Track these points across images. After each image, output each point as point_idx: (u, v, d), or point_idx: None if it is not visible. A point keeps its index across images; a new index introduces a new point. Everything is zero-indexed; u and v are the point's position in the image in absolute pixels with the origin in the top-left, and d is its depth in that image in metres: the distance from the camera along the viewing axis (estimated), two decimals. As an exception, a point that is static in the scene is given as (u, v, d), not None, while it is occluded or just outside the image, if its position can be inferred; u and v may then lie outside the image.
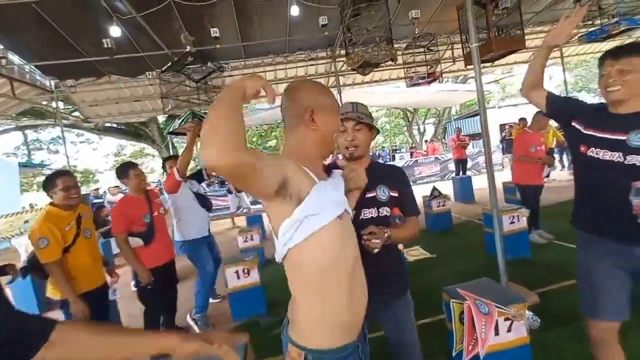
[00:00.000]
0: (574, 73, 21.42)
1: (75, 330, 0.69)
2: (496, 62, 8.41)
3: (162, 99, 7.26)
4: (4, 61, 4.96)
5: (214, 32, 4.82)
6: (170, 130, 3.64)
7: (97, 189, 13.51)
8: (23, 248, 5.92)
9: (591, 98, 20.61)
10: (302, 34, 6.18)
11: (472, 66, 2.66)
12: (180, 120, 3.24)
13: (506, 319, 1.67)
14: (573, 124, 1.47)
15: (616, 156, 1.31)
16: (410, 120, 21.50)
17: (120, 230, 2.50)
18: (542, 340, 2.10)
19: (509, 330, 1.70)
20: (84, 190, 17.04)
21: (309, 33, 6.05)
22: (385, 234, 1.22)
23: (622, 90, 1.29)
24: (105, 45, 4.66)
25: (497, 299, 1.69)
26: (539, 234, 3.93)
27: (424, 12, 5.20)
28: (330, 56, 7.15)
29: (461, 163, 9.05)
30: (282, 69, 7.63)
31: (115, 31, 4.80)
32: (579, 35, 4.65)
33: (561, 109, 1.54)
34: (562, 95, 1.83)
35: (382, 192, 1.37)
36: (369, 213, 1.36)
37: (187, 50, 5.16)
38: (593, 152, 1.38)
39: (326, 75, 8.09)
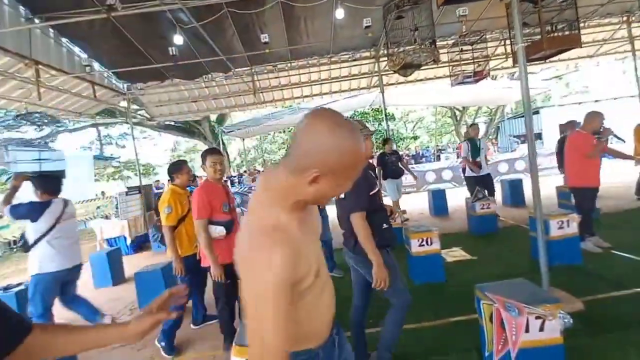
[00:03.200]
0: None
1: (48, 333, 0.73)
2: (558, 57, 7.86)
3: (214, 99, 7.88)
4: (88, 68, 5.76)
5: (264, 37, 5.15)
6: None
7: (158, 180, 14.92)
8: (99, 229, 6.83)
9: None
10: (346, 35, 6.34)
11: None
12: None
13: (537, 318, 1.70)
14: None
15: None
16: (458, 119, 20.60)
17: (204, 215, 2.37)
18: (582, 345, 2.06)
19: (541, 330, 1.72)
20: (145, 181, 18.87)
21: (353, 34, 6.18)
22: None
23: None
24: (171, 53, 5.20)
25: (528, 299, 1.72)
26: (594, 242, 3.68)
27: (473, 9, 5.07)
28: (374, 56, 7.20)
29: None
30: (327, 70, 7.84)
31: (178, 39, 5.35)
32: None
33: None
34: None
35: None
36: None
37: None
38: None
39: (369, 75, 8.15)
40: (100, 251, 5.21)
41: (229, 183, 12.16)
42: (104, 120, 16.32)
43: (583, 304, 2.50)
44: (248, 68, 7.06)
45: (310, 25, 6.10)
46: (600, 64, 12.21)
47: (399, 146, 21.21)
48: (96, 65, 6.38)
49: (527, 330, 1.71)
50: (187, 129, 17.28)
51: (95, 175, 20.79)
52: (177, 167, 2.90)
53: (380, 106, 10.14)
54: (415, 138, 25.66)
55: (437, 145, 18.79)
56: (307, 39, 6.45)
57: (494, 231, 4.81)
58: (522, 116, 17.95)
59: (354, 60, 7.49)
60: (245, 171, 17.31)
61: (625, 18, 6.75)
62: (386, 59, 5.20)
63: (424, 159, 14.40)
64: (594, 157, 3.52)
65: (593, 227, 3.71)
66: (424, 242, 3.30)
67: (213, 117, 16.79)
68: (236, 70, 6.91)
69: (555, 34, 3.39)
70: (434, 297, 3.04)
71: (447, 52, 5.90)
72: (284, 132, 21.89)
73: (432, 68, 7.30)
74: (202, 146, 20.82)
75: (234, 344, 1.50)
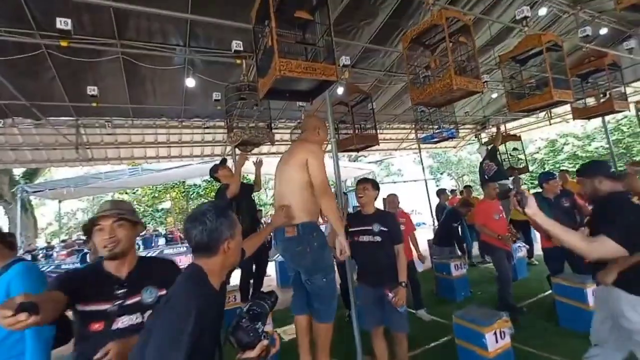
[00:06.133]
0: (437, 159, 26.91)
1: None
2: (377, 147, 9.95)
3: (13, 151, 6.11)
4: None
5: (92, 90, 4.52)
6: None
7: None
8: None
9: (449, 180, 25.87)
10: (199, 102, 6.32)
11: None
12: None
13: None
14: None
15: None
16: (311, 189, 22.82)
17: None
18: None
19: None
20: None
21: (207, 103, 6.23)
22: None
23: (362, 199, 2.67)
24: None
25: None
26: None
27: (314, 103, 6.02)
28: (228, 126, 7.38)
29: None
30: (177, 133, 7.46)
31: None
32: (421, 137, 6.08)
33: None
34: None
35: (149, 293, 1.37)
36: None
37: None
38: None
39: (223, 143, 8.21)
40: None
41: (29, 257, 9.08)
42: None
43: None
44: (72, 119, 5.95)
45: (158, 87, 5.82)
46: (409, 153, 16.42)
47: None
48: None
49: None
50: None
51: None
52: None
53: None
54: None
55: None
56: (155, 99, 6.08)
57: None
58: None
59: (207, 127, 7.46)
60: (62, 241, 13.38)
61: (413, 125, 9.46)
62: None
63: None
64: None
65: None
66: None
67: (18, 170, 12.94)
68: (52, 119, 5.69)
69: (363, 132, 4.34)
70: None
71: (290, 133, 6.67)
72: (127, 192, 18.85)
73: (282, 144, 8.04)
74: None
75: None
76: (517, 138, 6.37)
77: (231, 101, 3.77)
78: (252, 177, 3.66)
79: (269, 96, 2.27)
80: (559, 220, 3.36)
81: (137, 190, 18.70)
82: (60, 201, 9.39)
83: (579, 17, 5.82)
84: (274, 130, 6.08)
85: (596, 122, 6.54)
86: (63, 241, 13.55)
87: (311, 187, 2.03)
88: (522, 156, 6.18)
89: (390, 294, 2.40)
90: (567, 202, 3.61)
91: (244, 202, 3.53)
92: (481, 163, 5.26)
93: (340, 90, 5.49)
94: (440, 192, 6.68)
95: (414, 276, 4.00)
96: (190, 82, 5.46)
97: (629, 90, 5.90)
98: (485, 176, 5.25)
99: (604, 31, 6.35)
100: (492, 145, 5.30)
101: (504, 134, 5.88)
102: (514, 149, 6.14)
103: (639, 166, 3.78)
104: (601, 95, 4.66)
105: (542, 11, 5.41)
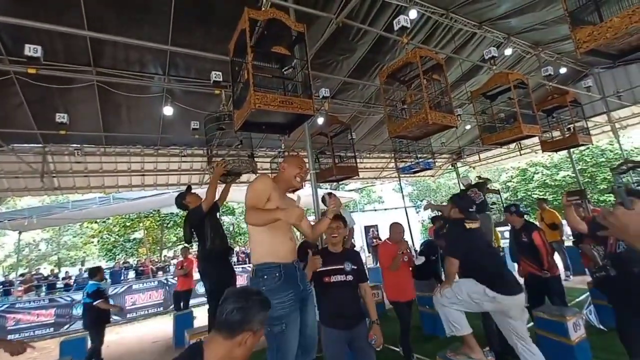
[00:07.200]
0: (417, 187, 27.51)
1: None
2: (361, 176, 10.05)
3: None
4: None
5: (61, 117, 4.34)
6: None
7: None
8: None
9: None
10: (177, 130, 6.21)
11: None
12: None
13: None
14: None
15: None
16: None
17: None
18: None
19: None
20: None
21: (184, 132, 6.12)
22: None
23: (337, 239, 2.50)
24: None
25: None
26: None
27: (294, 132, 6.05)
28: (207, 155, 7.25)
29: (181, 295, 6.56)
30: (152, 162, 7.23)
31: None
32: (400, 167, 6.19)
33: None
34: None
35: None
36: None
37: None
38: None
39: (202, 172, 8.03)
40: None
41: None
42: None
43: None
44: (39, 146, 5.66)
45: (134, 115, 5.68)
46: (390, 181, 16.67)
47: (238, 241, 20.81)
48: None
49: None
50: None
51: None
52: None
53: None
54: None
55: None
56: (130, 127, 5.92)
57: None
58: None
59: (185, 155, 7.30)
60: (21, 275, 12.29)
61: (392, 154, 9.66)
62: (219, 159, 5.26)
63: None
64: (393, 268, 3.44)
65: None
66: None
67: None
68: (17, 146, 5.40)
69: (343, 164, 4.34)
70: None
71: (270, 163, 6.62)
72: (97, 222, 17.88)
73: (262, 173, 7.94)
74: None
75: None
76: (496, 191, 6.66)
77: (210, 131, 3.69)
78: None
79: (244, 128, 2.23)
80: (523, 253, 3.47)
81: (107, 219, 17.79)
82: (20, 232, 8.71)
83: (540, 57, 6.31)
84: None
85: (562, 152, 6.95)
86: (22, 275, 12.48)
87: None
88: (499, 207, 6.44)
89: (373, 337, 2.29)
90: (525, 237, 3.53)
91: (210, 220, 3.24)
92: (464, 191, 5.32)
93: (320, 121, 5.56)
94: (435, 219, 6.75)
95: (408, 318, 3.60)
96: (168, 111, 5.38)
97: (589, 124, 6.32)
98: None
99: (563, 70, 6.90)
100: (482, 179, 5.38)
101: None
102: (493, 203, 6.39)
103: (574, 196, 3.80)
104: (566, 130, 4.94)
105: (508, 51, 5.81)
